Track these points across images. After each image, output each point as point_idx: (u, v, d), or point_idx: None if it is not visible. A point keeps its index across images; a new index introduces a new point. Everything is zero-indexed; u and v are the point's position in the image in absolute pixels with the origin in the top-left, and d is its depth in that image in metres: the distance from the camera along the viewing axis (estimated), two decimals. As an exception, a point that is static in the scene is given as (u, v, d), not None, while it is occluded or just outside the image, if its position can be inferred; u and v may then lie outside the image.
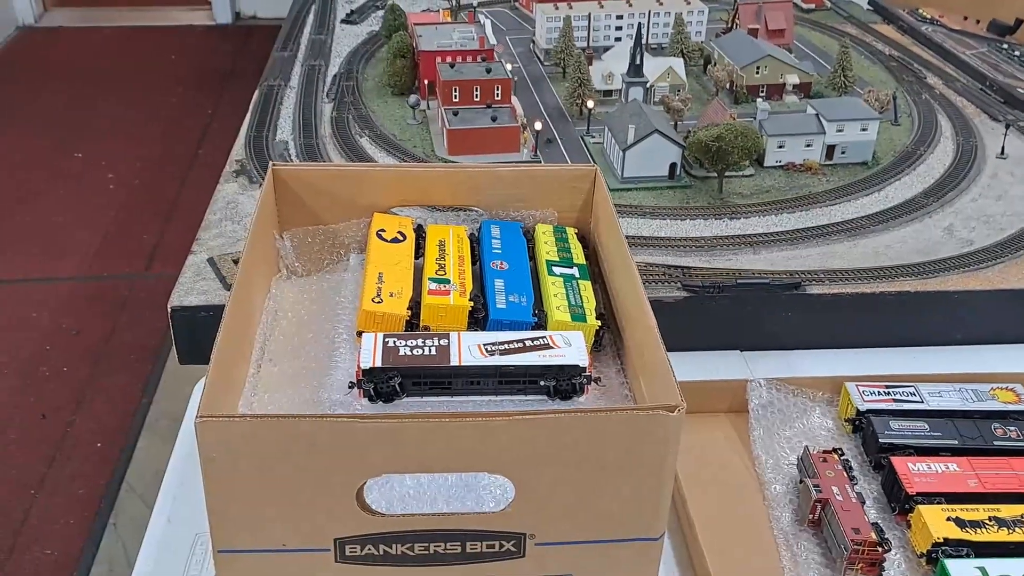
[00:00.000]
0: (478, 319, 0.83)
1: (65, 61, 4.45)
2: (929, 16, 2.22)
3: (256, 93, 1.76)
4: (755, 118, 1.53)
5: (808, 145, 1.51)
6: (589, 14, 1.92)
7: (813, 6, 2.28)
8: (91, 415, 2.33)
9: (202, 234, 1.30)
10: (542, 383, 0.76)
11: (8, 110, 3.94)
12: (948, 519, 0.83)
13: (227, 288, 1.17)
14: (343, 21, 2.15)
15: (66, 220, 3.15)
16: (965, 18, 2.23)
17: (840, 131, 1.51)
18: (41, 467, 2.18)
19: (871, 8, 2.34)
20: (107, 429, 2.29)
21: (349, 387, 0.76)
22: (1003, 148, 1.58)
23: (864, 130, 1.52)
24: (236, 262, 1.22)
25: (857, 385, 1.01)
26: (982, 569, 0.80)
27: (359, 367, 0.74)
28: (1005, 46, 2.06)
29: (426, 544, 0.68)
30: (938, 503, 0.86)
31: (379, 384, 0.74)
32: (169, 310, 1.15)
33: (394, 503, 0.74)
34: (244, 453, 0.64)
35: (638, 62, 1.65)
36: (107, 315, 2.69)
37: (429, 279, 0.85)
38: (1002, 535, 0.83)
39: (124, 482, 2.15)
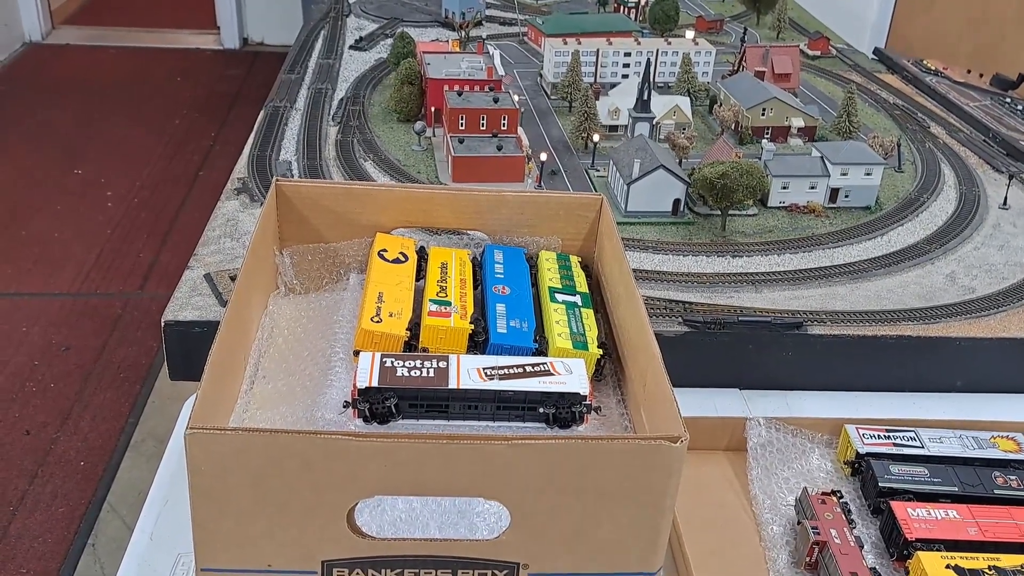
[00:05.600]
0: (478, 343, 0.82)
1: (71, 79, 4.47)
2: (933, 68, 2.24)
3: (261, 114, 1.76)
4: (760, 159, 1.53)
5: (812, 187, 1.51)
6: (597, 50, 1.93)
7: (819, 53, 2.30)
8: (76, 433, 2.30)
9: (200, 250, 1.29)
10: (541, 410, 0.74)
11: (11, 125, 3.94)
12: (947, 567, 0.82)
13: (223, 304, 1.16)
14: (352, 47, 2.16)
15: (62, 236, 3.14)
16: (968, 71, 2.25)
17: (844, 175, 1.51)
18: (22, 484, 2.14)
19: (876, 58, 2.37)
20: (91, 447, 2.26)
21: (344, 406, 0.75)
22: (1006, 199, 1.59)
23: (868, 175, 1.52)
24: (233, 279, 1.21)
25: (857, 428, 1.00)
26: (983, 620, 0.78)
27: (355, 386, 0.73)
28: (1008, 100, 2.07)
29: (416, 570, 0.66)
30: (937, 550, 0.84)
31: (375, 404, 0.73)
32: (162, 324, 1.13)
33: (385, 527, 0.72)
34: (233, 468, 0.63)
35: (646, 98, 1.66)
36: (98, 333, 2.67)
37: (430, 301, 0.84)
38: (1003, 585, 0.81)
39: (106, 502, 2.11)
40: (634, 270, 1.29)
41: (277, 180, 0.92)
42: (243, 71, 4.70)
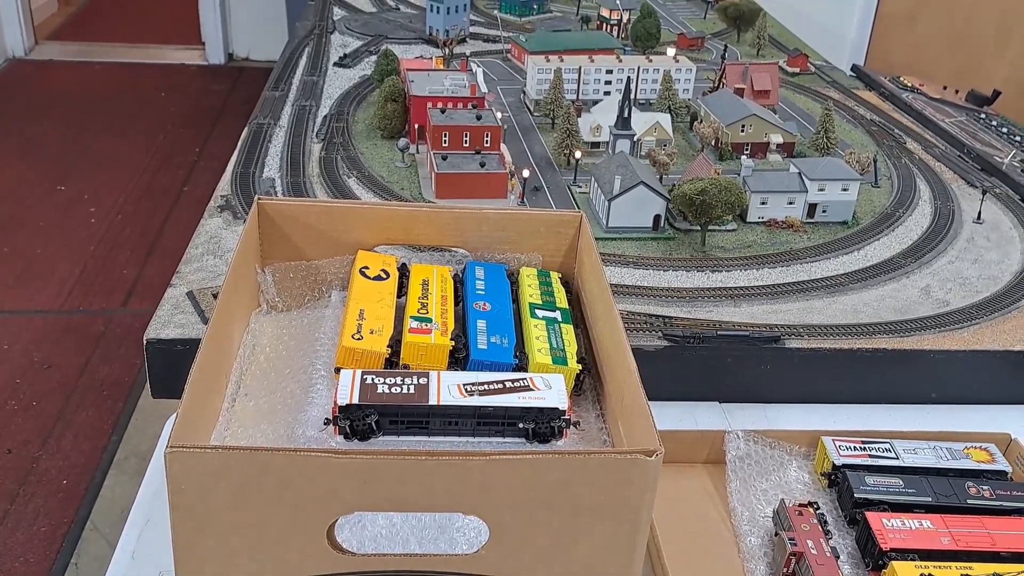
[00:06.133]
0: (459, 359, 0.83)
1: (54, 94, 4.46)
2: (910, 84, 2.27)
3: (245, 130, 1.77)
4: (739, 175, 1.55)
5: (790, 203, 1.53)
6: (579, 68, 1.95)
7: (798, 70, 2.33)
8: (58, 451, 2.29)
9: (182, 268, 1.29)
10: (521, 425, 0.75)
11: (-6, 140, 3.94)
12: (921, 576, 0.83)
13: (205, 322, 1.16)
14: (336, 64, 2.17)
15: (45, 253, 3.13)
16: (945, 88, 2.29)
17: (822, 190, 1.53)
18: (3, 503, 2.12)
19: (854, 74, 2.40)
20: (74, 466, 2.24)
21: (325, 423, 0.76)
22: (979, 213, 1.61)
23: (845, 190, 1.54)
24: (216, 296, 1.21)
25: (834, 440, 1.01)
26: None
27: (336, 403, 0.74)
28: (983, 116, 2.11)
29: (396, 585, 0.67)
30: (911, 559, 0.86)
31: (355, 421, 0.74)
32: (144, 342, 1.14)
33: (366, 543, 0.72)
34: (214, 486, 0.63)
35: (626, 115, 1.68)
36: (81, 350, 2.66)
37: (411, 317, 0.85)
38: (976, 594, 0.82)
39: (88, 521, 2.10)
40: (615, 285, 1.31)
41: (259, 198, 0.93)
42: (228, 86, 4.70)
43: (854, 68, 2.46)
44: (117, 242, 3.23)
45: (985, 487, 0.96)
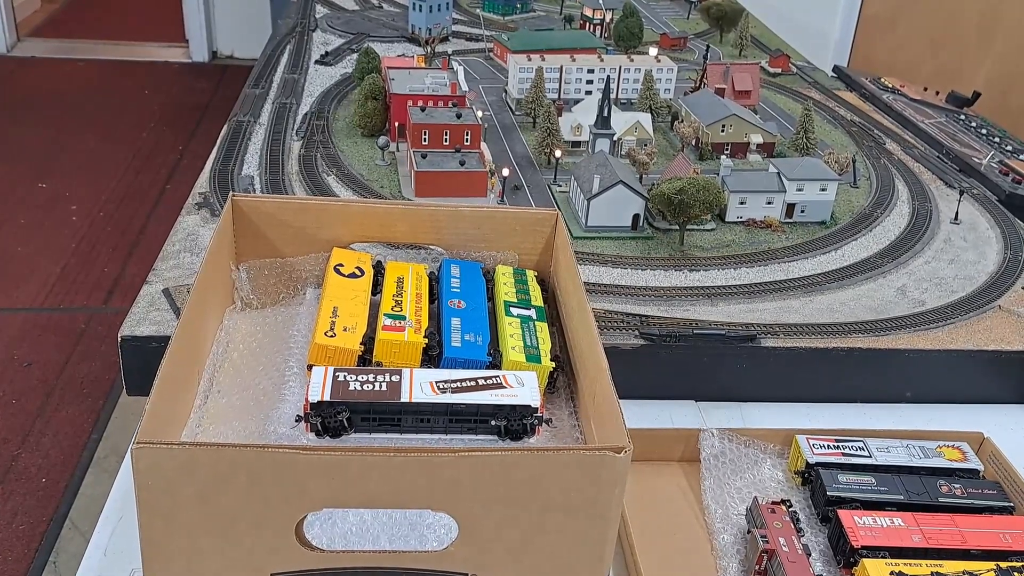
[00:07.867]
0: (433, 356, 0.83)
1: (36, 91, 4.43)
2: (891, 85, 2.28)
3: (225, 128, 1.76)
4: (718, 174, 1.56)
5: (769, 202, 1.54)
6: (561, 67, 1.95)
7: (779, 70, 2.34)
8: (38, 449, 2.27)
9: (159, 265, 1.29)
10: (493, 422, 0.75)
11: (-26, 137, 3.90)
12: (892, 573, 0.83)
13: (182, 319, 1.16)
14: (317, 62, 2.17)
15: (26, 251, 3.10)
16: (925, 89, 2.30)
17: (800, 190, 1.54)
18: (-18, 501, 2.11)
19: (835, 75, 2.41)
20: (53, 464, 2.23)
21: (296, 421, 0.75)
22: (957, 214, 1.62)
23: (823, 190, 1.55)
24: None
25: (808, 438, 1.02)
26: (925, 625, 0.80)
27: (307, 400, 0.74)
28: (962, 117, 2.12)
29: (365, 582, 0.67)
30: (883, 557, 0.86)
31: (327, 418, 0.74)
32: (119, 339, 1.13)
33: (336, 539, 0.72)
34: (181, 482, 0.63)
35: (606, 114, 1.68)
36: (61, 348, 2.64)
37: (384, 315, 0.85)
38: (945, 591, 0.83)
39: (67, 519, 2.09)
40: (593, 284, 1.31)
41: (233, 195, 0.93)
42: (212, 84, 4.68)
43: (835, 69, 2.48)
44: (99, 240, 3.21)
45: (957, 485, 0.97)
